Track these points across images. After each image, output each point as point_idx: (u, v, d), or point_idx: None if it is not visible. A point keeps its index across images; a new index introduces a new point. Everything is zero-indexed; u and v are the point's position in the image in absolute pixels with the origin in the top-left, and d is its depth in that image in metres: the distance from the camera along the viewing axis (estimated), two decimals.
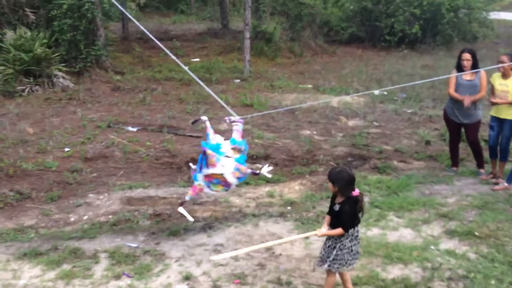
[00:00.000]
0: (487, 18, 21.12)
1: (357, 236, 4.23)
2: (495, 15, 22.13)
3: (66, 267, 4.90)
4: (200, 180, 5.11)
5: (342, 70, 15.25)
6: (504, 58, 6.79)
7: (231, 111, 5.58)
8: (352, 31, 20.36)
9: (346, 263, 4.22)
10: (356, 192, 4.13)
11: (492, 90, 7.00)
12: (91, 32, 13.46)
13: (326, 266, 4.28)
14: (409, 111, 10.83)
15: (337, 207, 4.18)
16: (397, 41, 18.80)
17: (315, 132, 9.37)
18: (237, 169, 5.05)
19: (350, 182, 4.10)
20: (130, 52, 16.89)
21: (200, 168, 5.09)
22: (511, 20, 26.01)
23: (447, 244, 5.35)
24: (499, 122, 6.95)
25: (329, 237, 4.27)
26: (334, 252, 4.21)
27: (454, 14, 19.02)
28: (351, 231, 4.17)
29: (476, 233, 5.49)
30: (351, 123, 10.04)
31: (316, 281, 4.71)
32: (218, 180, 5.04)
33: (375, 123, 10.00)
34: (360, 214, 4.20)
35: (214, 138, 5.23)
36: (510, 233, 5.51)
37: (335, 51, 18.40)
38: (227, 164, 5.02)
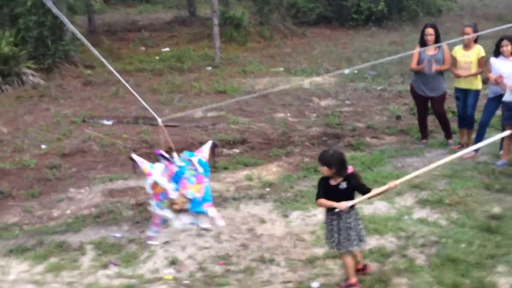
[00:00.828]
0: None
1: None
2: None
3: (53, 260, 5.02)
4: (153, 205, 4.91)
5: (312, 51, 15.42)
6: (468, 29, 7.04)
7: (153, 113, 5.46)
8: (320, 11, 20.45)
9: (361, 239, 4.31)
10: (350, 169, 4.26)
11: (454, 63, 7.24)
12: (57, 28, 13.31)
13: (354, 246, 4.27)
14: (379, 88, 11.08)
15: (343, 185, 4.19)
16: (364, 19, 19.00)
17: (289, 114, 9.54)
18: (165, 168, 4.88)
19: (344, 162, 4.22)
20: (99, 45, 16.67)
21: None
22: None
23: (420, 213, 5.61)
24: (464, 92, 7.22)
25: (336, 219, 4.24)
26: (351, 232, 4.24)
27: None
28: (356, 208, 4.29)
29: (447, 201, 5.77)
30: (323, 103, 10.25)
31: (297, 257, 4.92)
32: (163, 195, 4.82)
33: (347, 102, 10.23)
34: None
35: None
36: (479, 199, 5.80)
37: (304, 33, 18.52)
38: (157, 168, 4.90)
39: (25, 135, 8.73)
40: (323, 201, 4.25)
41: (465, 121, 7.36)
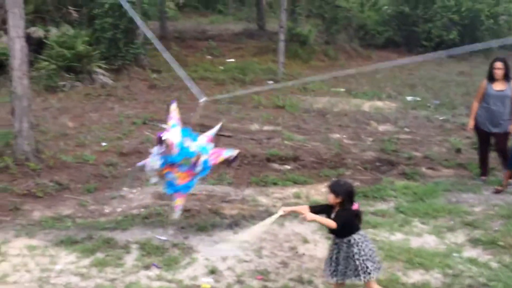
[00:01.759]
0: None
1: (363, 241, 4.23)
2: None
3: (99, 255, 5.18)
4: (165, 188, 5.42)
5: (376, 74, 15.24)
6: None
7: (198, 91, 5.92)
8: (389, 35, 20.22)
9: (370, 268, 4.19)
10: (356, 205, 4.24)
11: None
12: (130, 31, 13.86)
13: (366, 276, 4.18)
14: (441, 118, 10.80)
15: (333, 215, 4.20)
16: (434, 46, 18.57)
17: (345, 136, 9.46)
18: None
19: (353, 195, 4.23)
20: (168, 51, 17.22)
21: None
22: None
23: (470, 252, 5.40)
24: None
25: (338, 250, 4.25)
26: (355, 262, 4.18)
27: (494, 21, 18.71)
28: (355, 237, 4.19)
29: (501, 243, 5.52)
30: (381, 128, 10.09)
31: None
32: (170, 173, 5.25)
33: (406, 129, 10.03)
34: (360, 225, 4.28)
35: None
36: None
37: (370, 55, 18.35)
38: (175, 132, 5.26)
39: (88, 131, 9.12)
40: (310, 214, 4.19)
41: None
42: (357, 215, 4.26)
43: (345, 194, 4.18)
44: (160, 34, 19.29)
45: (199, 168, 5.30)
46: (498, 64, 6.99)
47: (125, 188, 6.89)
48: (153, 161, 5.25)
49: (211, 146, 5.52)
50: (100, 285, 4.70)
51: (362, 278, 4.18)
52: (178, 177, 5.28)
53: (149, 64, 14.51)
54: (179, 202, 5.44)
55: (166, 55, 6.05)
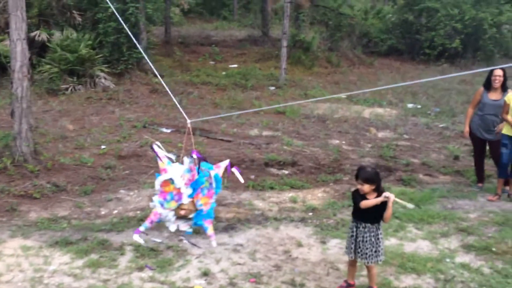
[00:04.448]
0: None
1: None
2: None
3: (93, 256, 5.21)
4: (156, 201, 5.17)
5: (377, 81, 15.28)
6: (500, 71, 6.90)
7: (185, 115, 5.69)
8: (392, 43, 20.30)
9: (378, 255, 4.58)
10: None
11: (507, 109, 6.88)
12: (134, 36, 13.91)
13: (382, 257, 4.59)
14: (441, 125, 10.81)
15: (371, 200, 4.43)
16: (437, 55, 18.65)
17: (344, 142, 9.48)
18: (188, 171, 5.11)
19: (380, 178, 4.52)
20: (171, 56, 17.37)
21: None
22: None
23: (463, 257, 5.40)
24: None
25: (368, 231, 4.53)
26: (380, 243, 4.54)
27: (497, 30, 18.73)
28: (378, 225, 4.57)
29: (493, 249, 5.52)
30: (380, 134, 10.11)
31: (328, 285, 4.85)
32: (171, 194, 5.09)
33: (405, 136, 10.04)
34: None
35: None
36: None
37: (372, 63, 18.40)
38: (176, 168, 5.11)
39: (88, 134, 9.18)
40: (366, 201, 4.44)
41: (507, 171, 6.95)
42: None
43: (379, 180, 4.45)
44: (164, 39, 19.47)
45: (214, 184, 5.24)
46: (498, 71, 6.99)
47: (122, 190, 6.93)
48: (181, 185, 5.09)
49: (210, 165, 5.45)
50: (92, 285, 4.72)
51: (380, 259, 4.57)
52: (204, 203, 5.19)
53: (151, 69, 14.56)
54: (211, 229, 5.31)
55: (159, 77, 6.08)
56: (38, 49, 12.93)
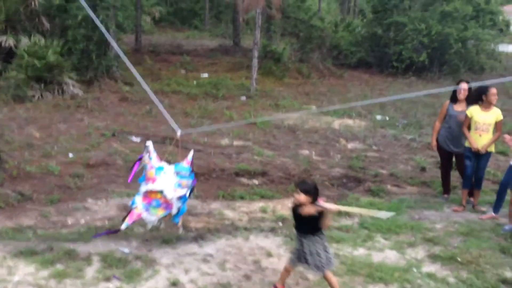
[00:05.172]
0: (495, 51, 21.33)
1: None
2: (503, 48, 22.36)
3: (59, 267, 5.10)
4: (138, 203, 5.19)
5: (347, 93, 15.49)
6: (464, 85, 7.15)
7: (174, 125, 5.73)
8: (361, 55, 20.64)
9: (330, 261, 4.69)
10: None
11: (468, 122, 7.04)
12: (103, 43, 13.82)
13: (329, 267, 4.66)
14: (408, 137, 11.01)
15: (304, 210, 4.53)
16: (405, 68, 19.04)
17: (314, 153, 9.56)
18: (179, 185, 5.20)
19: (318, 191, 4.60)
20: (141, 64, 17.24)
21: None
22: None
23: (429, 267, 5.49)
24: (475, 153, 7.02)
25: (314, 243, 4.63)
26: (325, 254, 4.63)
27: (462, 45, 19.24)
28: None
29: (459, 259, 5.63)
30: (350, 145, 10.24)
31: None
32: (158, 201, 5.14)
33: (374, 147, 10.19)
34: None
35: (159, 162, 5.37)
36: (491, 260, 5.63)
37: (342, 75, 18.65)
38: (167, 179, 5.18)
39: (55, 142, 9.02)
40: (307, 208, 4.50)
41: (471, 182, 7.14)
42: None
43: (316, 192, 4.53)
44: (134, 47, 19.34)
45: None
46: (464, 85, 7.17)
47: (89, 200, 6.82)
48: (172, 196, 5.19)
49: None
50: None
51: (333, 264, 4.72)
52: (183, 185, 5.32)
53: (121, 77, 14.46)
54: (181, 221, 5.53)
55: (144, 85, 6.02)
56: (4, 55, 12.68)
